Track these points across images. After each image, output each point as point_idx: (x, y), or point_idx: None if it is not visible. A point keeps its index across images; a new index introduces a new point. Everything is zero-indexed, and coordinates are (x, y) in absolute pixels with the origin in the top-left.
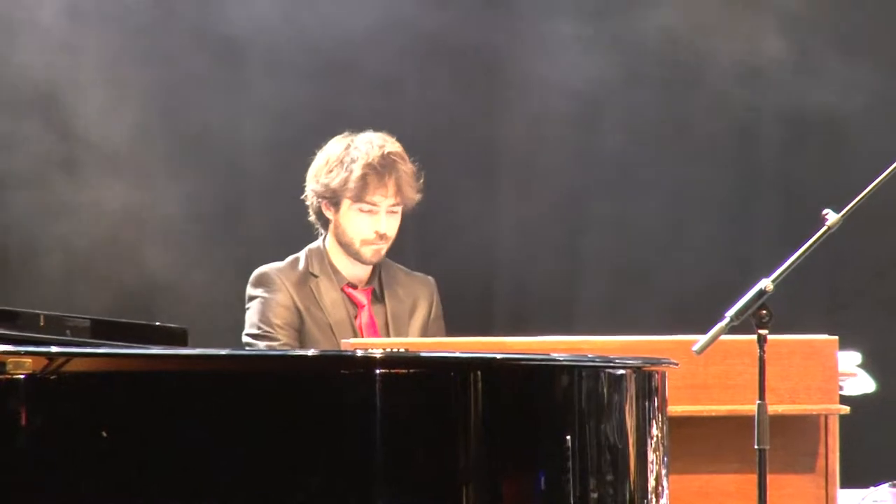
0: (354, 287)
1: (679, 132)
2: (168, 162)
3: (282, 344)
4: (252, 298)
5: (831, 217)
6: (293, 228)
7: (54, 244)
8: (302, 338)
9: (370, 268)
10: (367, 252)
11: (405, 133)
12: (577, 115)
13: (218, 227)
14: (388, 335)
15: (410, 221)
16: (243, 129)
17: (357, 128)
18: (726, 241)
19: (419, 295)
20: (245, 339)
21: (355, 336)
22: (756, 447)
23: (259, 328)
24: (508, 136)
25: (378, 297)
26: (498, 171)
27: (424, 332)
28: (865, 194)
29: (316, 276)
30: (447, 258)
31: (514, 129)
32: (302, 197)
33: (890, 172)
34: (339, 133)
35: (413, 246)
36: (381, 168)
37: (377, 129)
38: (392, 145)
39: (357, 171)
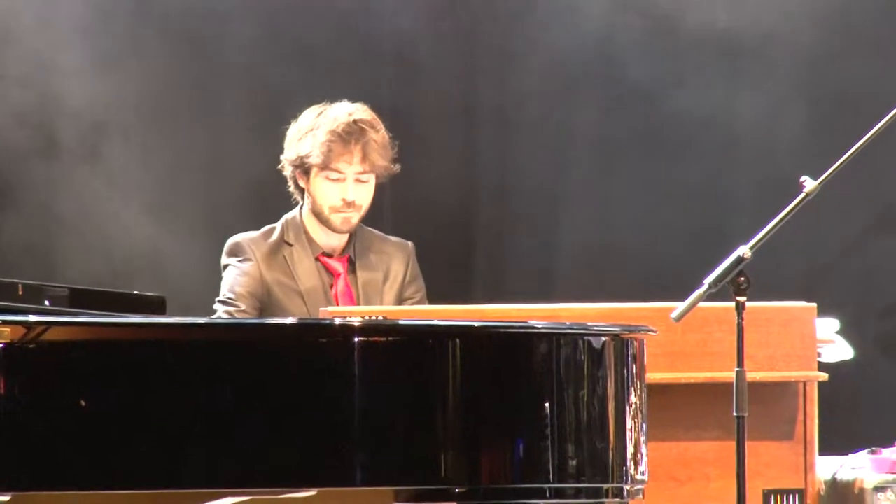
0: (330, 256)
1: (653, 102)
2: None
3: (241, 311)
4: (225, 267)
5: (809, 184)
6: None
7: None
8: (271, 307)
9: (346, 236)
10: (337, 220)
11: (382, 97)
12: (558, 83)
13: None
14: (362, 303)
15: (386, 187)
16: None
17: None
18: (704, 207)
19: (393, 259)
20: (214, 306)
21: (329, 304)
22: (734, 414)
23: (224, 295)
24: (489, 102)
25: (353, 266)
26: (477, 137)
27: (400, 297)
28: (844, 161)
29: (291, 245)
30: (425, 226)
31: (495, 94)
32: (279, 167)
33: (867, 140)
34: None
35: (389, 213)
36: (345, 135)
37: (354, 98)
38: (362, 113)
39: (321, 137)
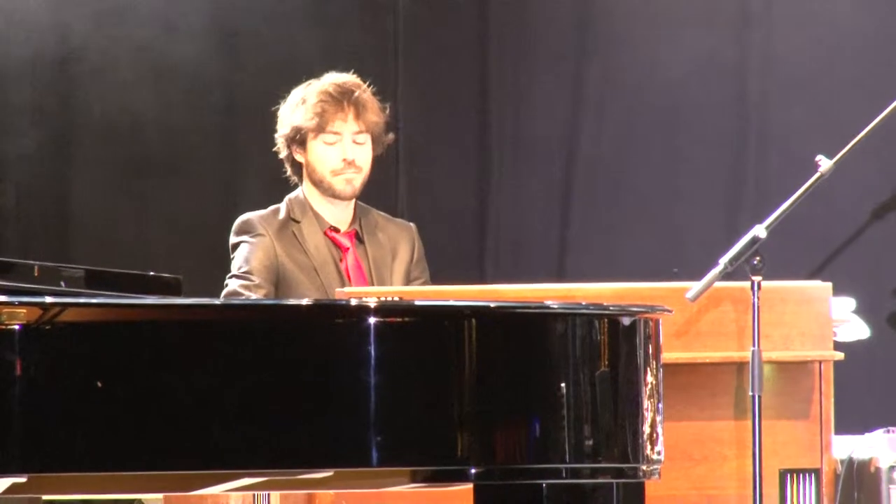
0: (337, 231)
1: (670, 75)
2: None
3: (256, 285)
4: (235, 246)
5: (824, 163)
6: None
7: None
8: (286, 283)
9: (351, 210)
10: (339, 183)
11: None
12: (569, 55)
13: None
14: (371, 280)
15: (401, 165)
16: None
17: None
18: (720, 187)
19: (399, 240)
20: (225, 282)
21: (341, 278)
22: (750, 394)
23: (239, 269)
24: (501, 75)
25: (361, 240)
26: (489, 112)
27: (407, 276)
28: (858, 140)
29: (298, 222)
30: (438, 206)
31: (506, 68)
32: (274, 149)
33: (882, 118)
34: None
35: (403, 193)
36: (338, 95)
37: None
38: (349, 78)
39: (313, 99)
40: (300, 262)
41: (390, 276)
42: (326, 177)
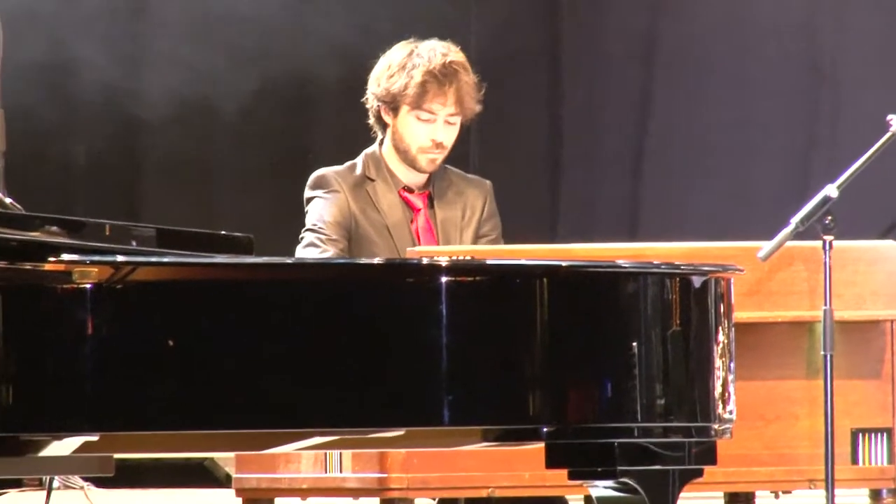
0: (411, 191)
1: (745, 33)
2: None
3: (331, 240)
4: (309, 200)
5: None
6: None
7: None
8: (358, 240)
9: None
10: (423, 160)
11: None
12: (641, 14)
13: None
14: (439, 242)
15: (474, 125)
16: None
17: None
18: (791, 146)
19: (471, 197)
20: (301, 235)
21: (412, 239)
22: (822, 353)
23: (314, 224)
24: (573, 35)
25: (432, 202)
26: (561, 72)
27: (477, 234)
28: None
29: (373, 180)
30: (511, 165)
31: (578, 29)
32: (363, 100)
33: None
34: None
35: (475, 152)
36: (441, 77)
37: (443, 37)
38: (455, 55)
39: (417, 77)
40: (373, 220)
41: (459, 237)
42: (412, 150)
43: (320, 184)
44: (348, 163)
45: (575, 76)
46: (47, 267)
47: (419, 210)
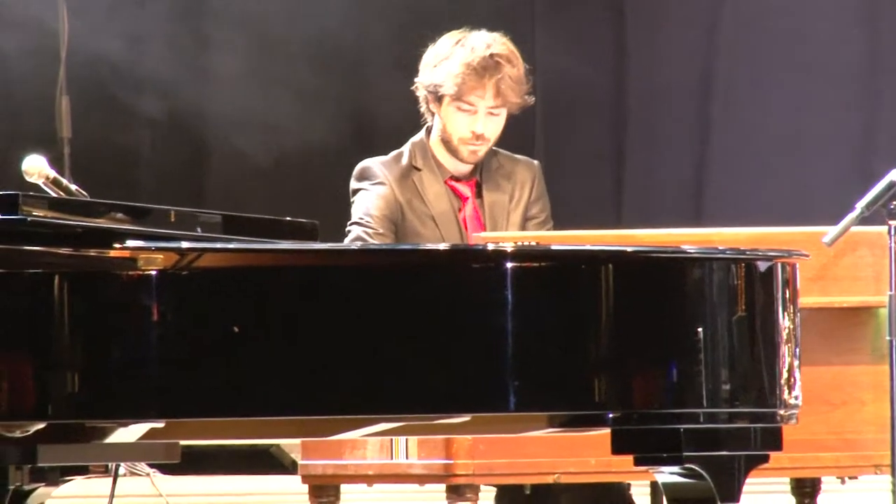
0: (458, 180)
1: (803, 16)
2: None
3: (378, 233)
4: (355, 192)
5: None
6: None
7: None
8: (403, 230)
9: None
10: (464, 151)
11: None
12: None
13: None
14: (488, 224)
15: (538, 110)
16: None
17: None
18: (855, 131)
19: (519, 178)
20: (347, 229)
21: (459, 228)
22: (888, 338)
23: (360, 217)
24: (637, 19)
25: (480, 189)
26: (625, 56)
27: (525, 216)
28: None
29: (419, 170)
30: (575, 149)
31: (641, 12)
32: (413, 87)
33: None
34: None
35: (540, 137)
36: (480, 69)
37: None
38: (499, 46)
39: (456, 69)
40: (419, 210)
41: (506, 220)
42: (453, 140)
43: (366, 175)
44: (394, 152)
45: (639, 62)
46: (112, 254)
47: (467, 199)
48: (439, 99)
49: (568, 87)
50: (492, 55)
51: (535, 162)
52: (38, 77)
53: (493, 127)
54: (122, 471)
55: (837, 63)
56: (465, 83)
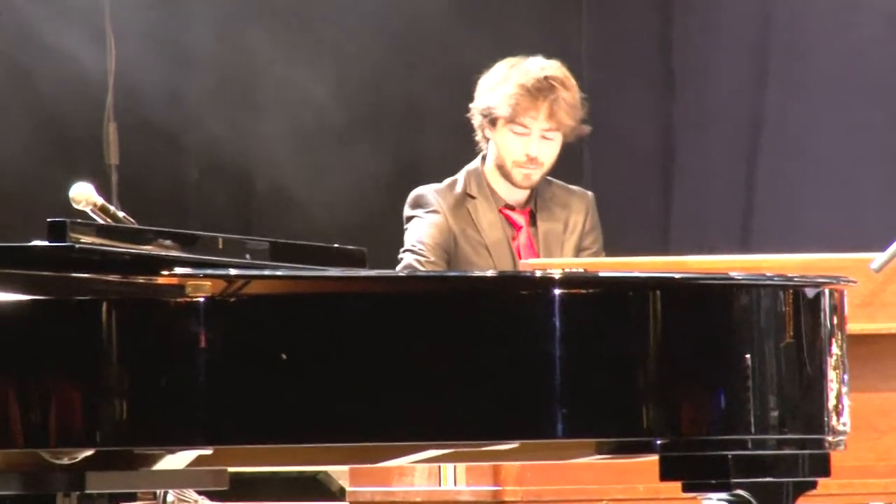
0: (512, 209)
1: (853, 40)
2: None
3: (430, 262)
4: (409, 219)
5: None
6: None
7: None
8: (456, 259)
9: (528, 189)
10: (518, 175)
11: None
12: (752, 22)
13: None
14: (542, 253)
15: (586, 139)
16: None
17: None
18: None
19: (574, 209)
20: (399, 255)
21: (512, 257)
22: None
23: (413, 245)
24: (685, 45)
25: (534, 219)
26: (673, 82)
27: (578, 247)
28: None
29: (473, 198)
30: (623, 177)
31: (690, 37)
32: (468, 115)
33: None
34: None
35: (588, 164)
36: (534, 90)
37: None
38: (554, 70)
39: (511, 90)
40: (472, 239)
41: (560, 249)
42: (507, 164)
43: (420, 203)
44: (448, 180)
45: (686, 87)
46: (160, 280)
47: (521, 227)
48: (493, 122)
49: (615, 112)
50: (546, 77)
51: (590, 193)
52: (86, 105)
53: (547, 151)
54: (170, 497)
55: (888, 87)
56: (518, 104)
